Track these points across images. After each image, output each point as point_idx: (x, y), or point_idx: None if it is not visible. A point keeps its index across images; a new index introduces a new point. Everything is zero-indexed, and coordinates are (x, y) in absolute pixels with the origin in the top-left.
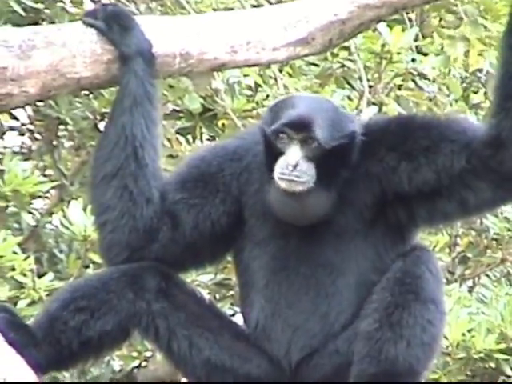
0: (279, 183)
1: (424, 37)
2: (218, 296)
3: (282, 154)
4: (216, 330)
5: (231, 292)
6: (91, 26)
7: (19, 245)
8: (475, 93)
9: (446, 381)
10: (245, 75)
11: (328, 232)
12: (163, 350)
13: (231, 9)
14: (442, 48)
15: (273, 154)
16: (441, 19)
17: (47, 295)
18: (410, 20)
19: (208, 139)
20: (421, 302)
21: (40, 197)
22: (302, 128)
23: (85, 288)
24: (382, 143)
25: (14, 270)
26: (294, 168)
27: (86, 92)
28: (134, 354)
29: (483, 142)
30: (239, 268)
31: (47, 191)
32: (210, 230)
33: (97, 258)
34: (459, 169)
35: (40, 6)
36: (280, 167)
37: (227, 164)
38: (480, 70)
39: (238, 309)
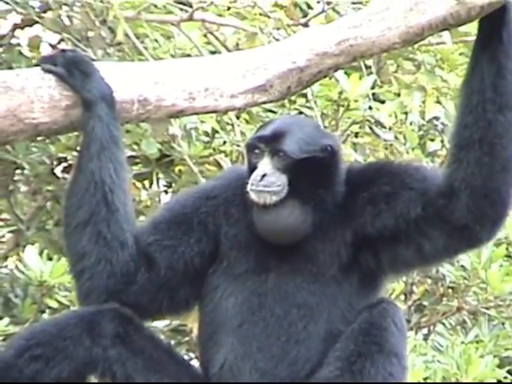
0: (250, 195)
1: (382, 82)
2: (173, 342)
3: (255, 168)
4: (174, 375)
5: (186, 338)
6: (50, 72)
7: None
8: (432, 140)
9: None
10: (202, 121)
11: (307, 270)
12: None
13: (189, 55)
14: (399, 94)
15: (250, 171)
16: (398, 66)
17: (3, 340)
18: (368, 67)
19: (165, 185)
20: (384, 354)
21: None
22: (270, 140)
23: (40, 335)
24: (358, 185)
25: None
26: (261, 178)
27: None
28: None
29: (438, 191)
30: (208, 307)
31: (3, 236)
32: (183, 270)
33: (52, 303)
34: (415, 216)
35: None
36: (250, 179)
37: (203, 203)
38: (437, 118)
39: (193, 355)
